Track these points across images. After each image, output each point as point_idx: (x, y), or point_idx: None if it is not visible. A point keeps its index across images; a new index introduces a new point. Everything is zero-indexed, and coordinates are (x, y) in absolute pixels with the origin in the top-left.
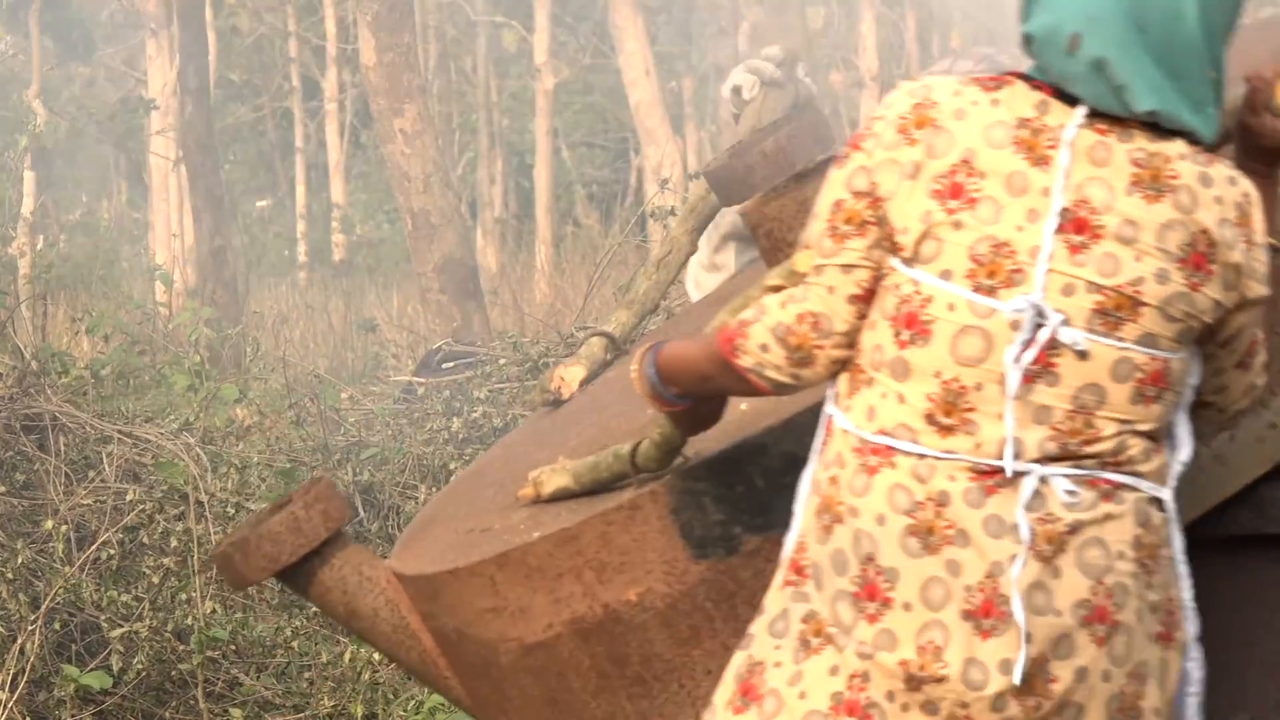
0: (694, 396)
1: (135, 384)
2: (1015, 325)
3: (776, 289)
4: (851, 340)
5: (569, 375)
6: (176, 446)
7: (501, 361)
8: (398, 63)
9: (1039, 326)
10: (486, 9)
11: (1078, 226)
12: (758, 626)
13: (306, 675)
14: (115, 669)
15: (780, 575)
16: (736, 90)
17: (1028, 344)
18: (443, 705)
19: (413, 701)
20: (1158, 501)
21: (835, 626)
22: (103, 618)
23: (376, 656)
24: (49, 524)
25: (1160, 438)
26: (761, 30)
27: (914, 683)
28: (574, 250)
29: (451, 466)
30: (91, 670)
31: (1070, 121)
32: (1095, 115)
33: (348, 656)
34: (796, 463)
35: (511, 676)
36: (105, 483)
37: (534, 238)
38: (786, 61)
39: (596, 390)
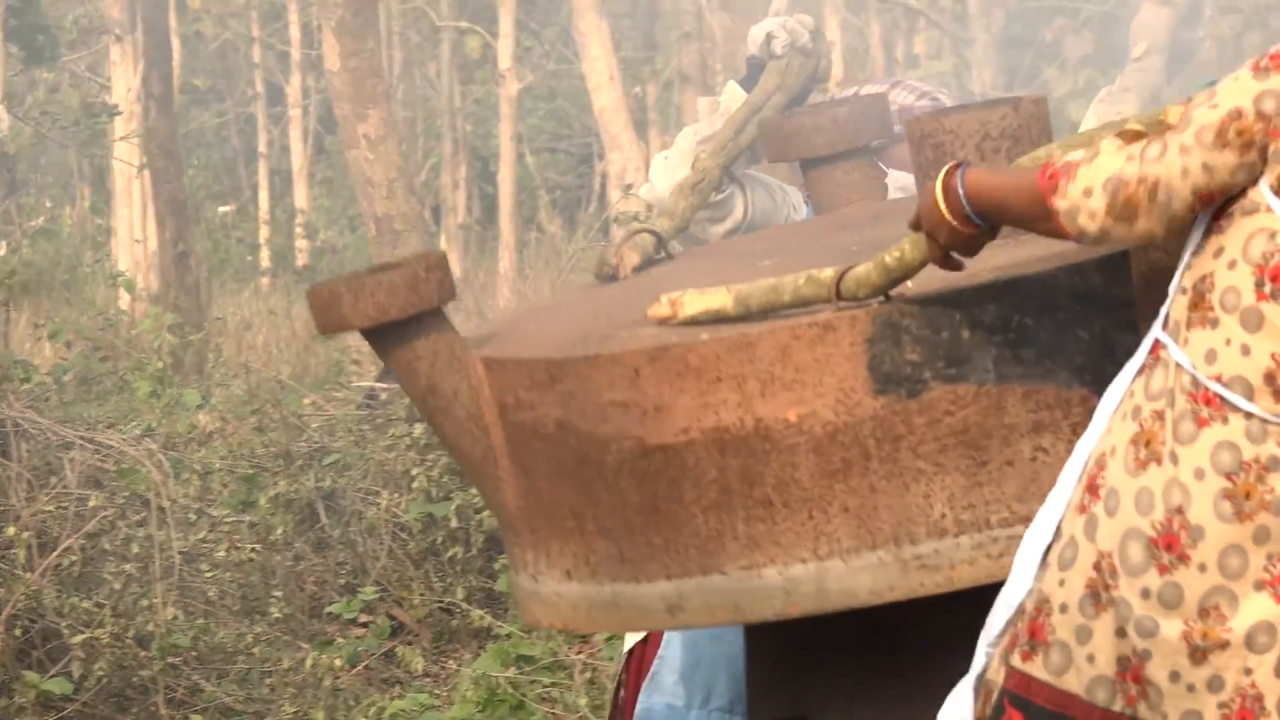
0: (988, 223)
1: (97, 390)
2: None
3: (1134, 135)
4: (1176, 224)
5: (628, 255)
6: (139, 452)
7: None
8: (362, 68)
9: None
10: (451, 14)
11: None
12: (1052, 553)
13: (268, 681)
14: (76, 675)
15: (1076, 493)
16: (770, 39)
17: None
18: (403, 711)
19: (374, 708)
20: None
21: (1118, 572)
22: (64, 624)
23: (338, 663)
24: (11, 530)
25: None
26: (728, 37)
27: (1198, 655)
28: (538, 256)
29: (414, 473)
30: (52, 676)
31: None
32: None
33: (309, 663)
34: (1009, 323)
35: (611, 478)
36: (67, 489)
37: (497, 243)
38: (817, 32)
39: (660, 276)
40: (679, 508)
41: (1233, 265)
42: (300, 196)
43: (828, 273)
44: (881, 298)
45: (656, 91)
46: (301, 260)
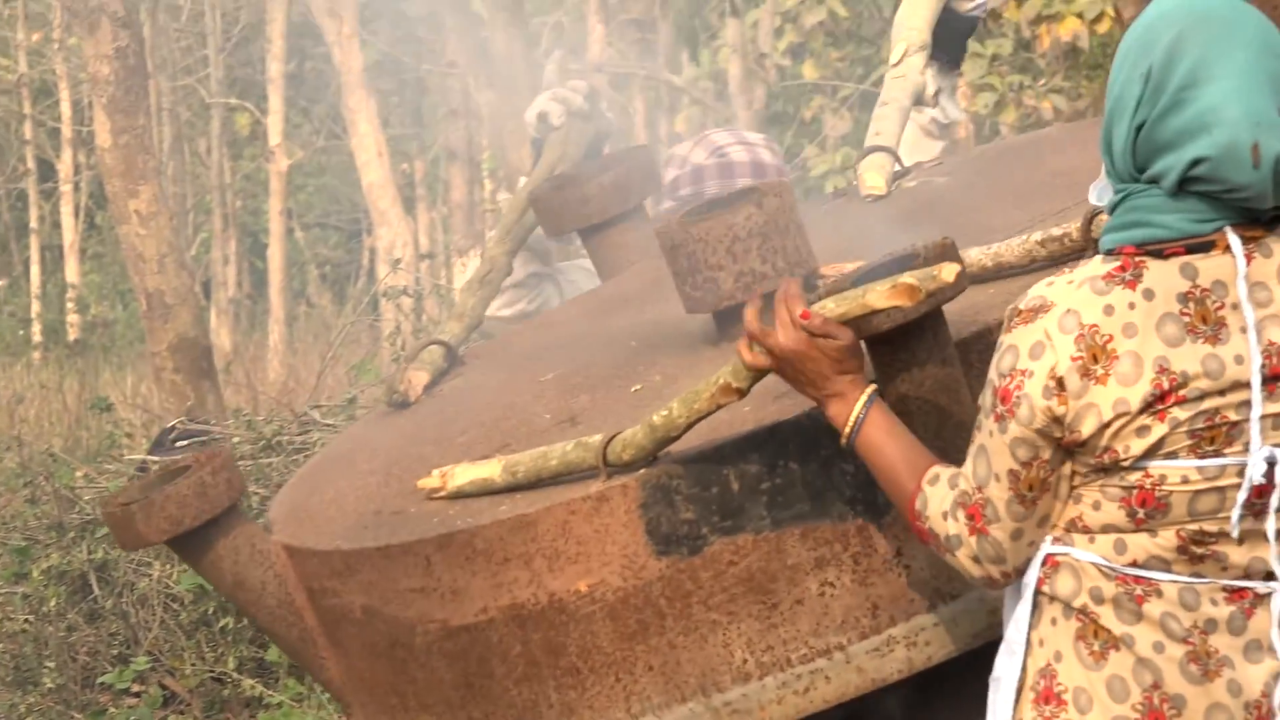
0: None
1: None
2: (1241, 473)
3: (909, 291)
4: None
5: (415, 378)
6: None
7: (235, 440)
8: (133, 145)
9: (1271, 468)
10: (220, 91)
11: (1275, 372)
12: None
13: None
14: None
15: (1029, 713)
16: (543, 117)
17: (1262, 489)
18: None
19: None
20: None
21: None
22: None
23: None
24: None
25: None
26: (494, 114)
27: None
28: (307, 330)
29: None
30: None
31: (1236, 275)
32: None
33: None
34: (775, 468)
35: (423, 659)
36: None
37: (268, 317)
38: (591, 94)
39: (450, 394)
40: (492, 682)
41: (1096, 506)
42: (71, 271)
43: (595, 439)
44: (649, 461)
45: (424, 167)
46: (73, 334)
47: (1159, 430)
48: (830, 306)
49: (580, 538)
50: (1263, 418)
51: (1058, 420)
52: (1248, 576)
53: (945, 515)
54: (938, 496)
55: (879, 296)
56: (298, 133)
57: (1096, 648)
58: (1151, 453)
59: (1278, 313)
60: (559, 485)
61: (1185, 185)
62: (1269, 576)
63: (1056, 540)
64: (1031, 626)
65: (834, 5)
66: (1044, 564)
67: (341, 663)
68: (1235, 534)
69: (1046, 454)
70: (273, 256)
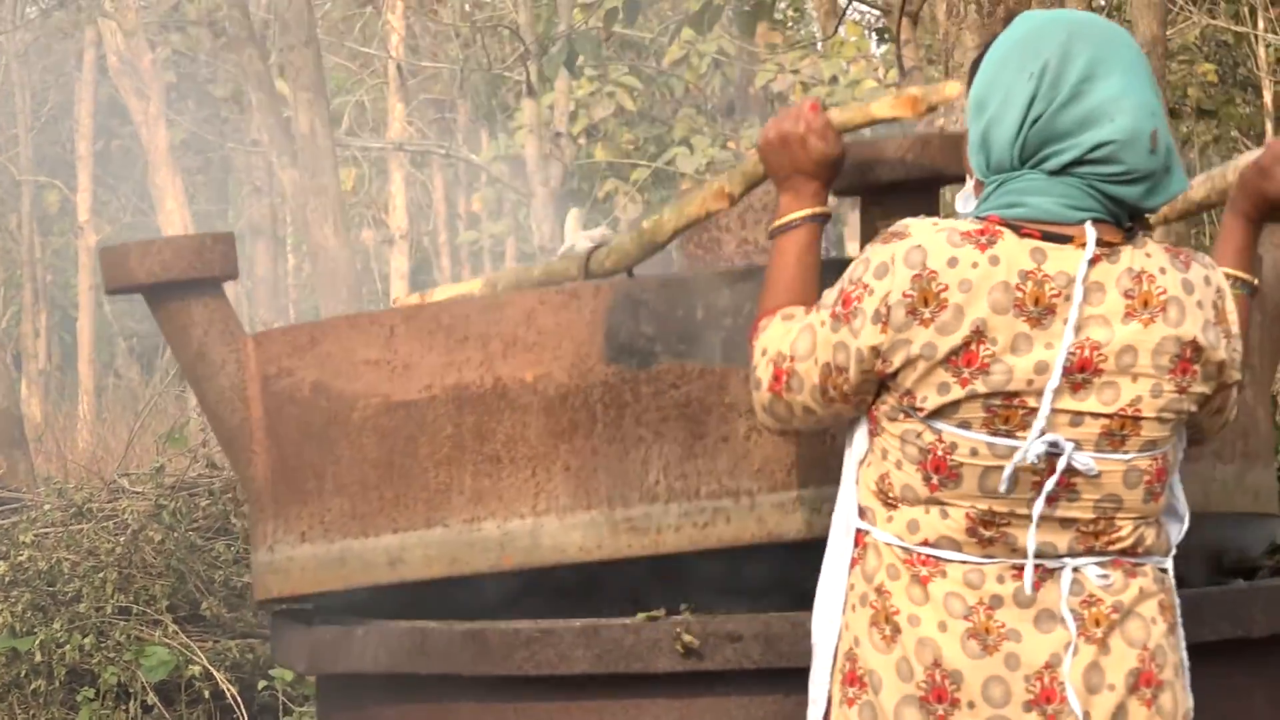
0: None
1: None
2: (1034, 459)
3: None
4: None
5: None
6: None
7: (46, 507)
8: None
9: (1054, 458)
10: (30, 169)
11: (1082, 365)
12: None
13: None
14: None
15: (838, 693)
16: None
17: (1047, 474)
18: None
19: None
20: (1164, 570)
21: None
22: None
23: None
24: None
25: (1162, 516)
26: (297, 191)
27: None
28: (115, 400)
29: None
30: None
31: (1077, 273)
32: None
33: None
34: (740, 310)
35: (354, 435)
36: None
37: (77, 388)
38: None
39: None
40: (413, 462)
41: (898, 466)
42: None
43: (579, 251)
44: (627, 272)
45: None
46: None
47: (956, 392)
48: (835, 114)
49: (542, 328)
50: (1059, 410)
51: (875, 350)
52: (1039, 558)
53: (764, 354)
54: (774, 336)
55: (883, 106)
56: (106, 209)
57: (887, 632)
58: (947, 413)
59: (1106, 315)
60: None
61: (1070, 168)
62: (1058, 556)
63: (864, 515)
64: (842, 608)
65: (623, 99)
66: (855, 543)
67: (272, 454)
68: (1002, 489)
69: (852, 374)
70: (82, 329)
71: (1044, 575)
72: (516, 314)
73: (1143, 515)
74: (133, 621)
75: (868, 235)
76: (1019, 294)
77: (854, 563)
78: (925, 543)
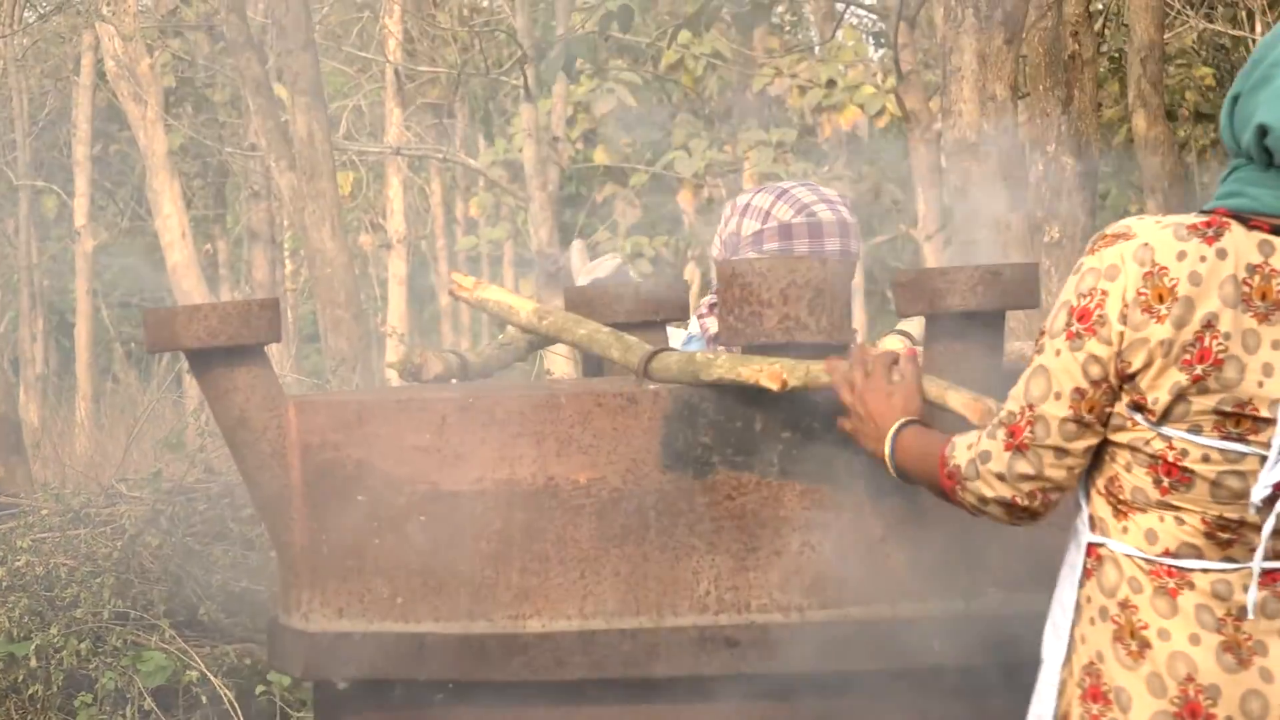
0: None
1: None
2: (1262, 463)
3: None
4: (1068, 487)
5: (432, 360)
6: None
7: (44, 512)
8: None
9: None
10: (27, 174)
11: None
12: None
13: None
14: None
15: (1078, 709)
16: (590, 272)
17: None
18: None
19: None
20: None
21: None
22: None
23: None
24: None
25: None
26: (295, 196)
27: None
28: (113, 406)
29: None
30: None
31: None
32: None
33: None
34: (798, 424)
35: (400, 520)
36: None
37: (75, 393)
38: (621, 266)
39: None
40: (458, 555)
41: (1128, 468)
42: None
43: (639, 348)
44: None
45: (227, 248)
46: None
47: (1189, 390)
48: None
49: (598, 430)
50: None
51: (1119, 352)
52: (1277, 558)
53: (974, 443)
54: (969, 437)
55: (956, 398)
56: (103, 214)
57: (1134, 647)
58: (1177, 415)
59: None
60: (587, 380)
61: (1272, 158)
62: None
63: (1096, 527)
64: (1074, 622)
65: (624, 95)
66: (1088, 554)
67: (311, 524)
68: (1252, 512)
69: (1113, 380)
70: (79, 335)
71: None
72: (573, 415)
73: None
74: (130, 626)
75: (931, 359)
76: (1246, 288)
77: (1088, 574)
78: (1166, 552)
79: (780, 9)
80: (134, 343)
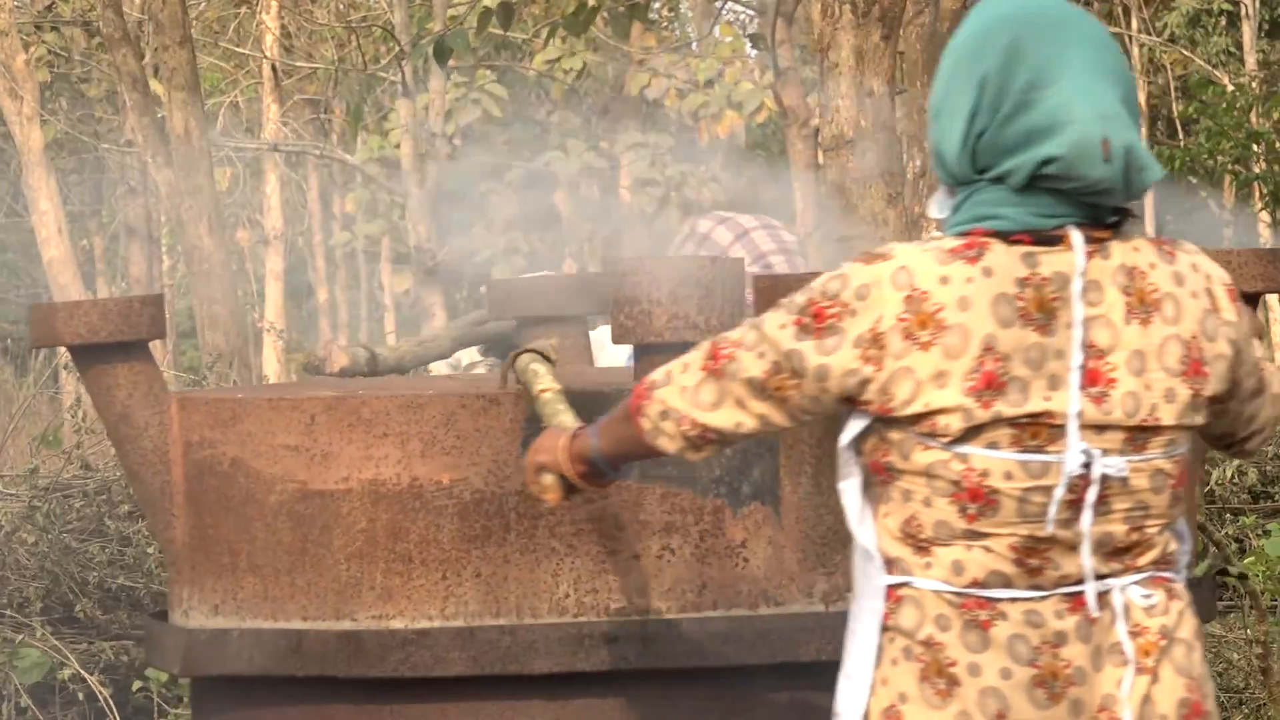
0: (623, 461)
1: None
2: (1066, 473)
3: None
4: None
5: (338, 355)
6: None
7: None
8: None
9: (1086, 468)
10: None
11: (1092, 377)
12: None
13: None
14: None
15: None
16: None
17: (1081, 488)
18: None
19: None
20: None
21: None
22: None
23: None
24: None
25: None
26: (172, 192)
27: None
28: None
29: None
30: None
31: (1074, 271)
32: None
33: None
34: None
35: (270, 518)
36: None
37: None
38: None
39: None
40: (326, 553)
41: (927, 503)
42: None
43: (536, 363)
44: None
45: (104, 244)
46: None
47: (980, 416)
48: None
49: (461, 432)
50: (1083, 426)
51: (864, 383)
52: (1079, 583)
53: (678, 359)
54: (674, 372)
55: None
56: None
57: (941, 685)
58: (973, 435)
59: (1106, 316)
60: (459, 381)
61: (1034, 182)
62: (1101, 578)
63: (894, 568)
64: (875, 664)
65: (488, 106)
66: (887, 598)
67: (190, 520)
68: (1049, 529)
69: (807, 386)
70: None
71: (1097, 607)
72: (436, 415)
73: (1169, 521)
74: (5, 624)
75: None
76: (1020, 303)
77: (887, 616)
78: (975, 583)
79: (657, 4)
80: (10, 339)
